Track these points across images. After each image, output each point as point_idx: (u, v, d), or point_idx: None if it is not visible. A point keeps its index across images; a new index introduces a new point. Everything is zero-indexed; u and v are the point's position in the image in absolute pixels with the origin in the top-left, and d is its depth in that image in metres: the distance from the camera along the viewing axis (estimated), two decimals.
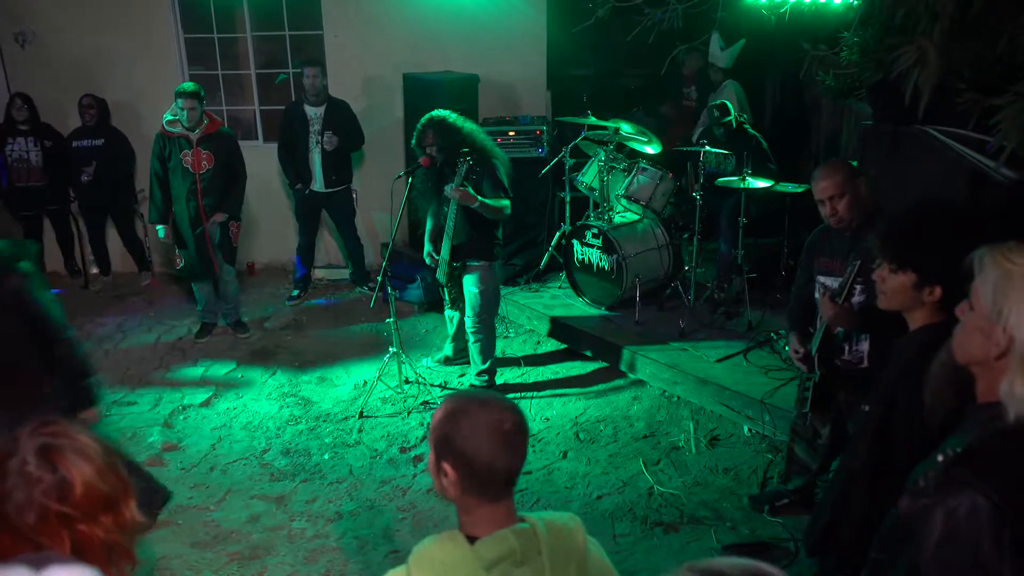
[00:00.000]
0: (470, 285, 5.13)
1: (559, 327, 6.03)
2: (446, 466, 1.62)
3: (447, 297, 5.48)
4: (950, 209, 2.39)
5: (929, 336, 2.19)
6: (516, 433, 1.61)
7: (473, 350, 5.36)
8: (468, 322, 5.26)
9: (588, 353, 5.81)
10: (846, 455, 2.54)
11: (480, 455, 1.58)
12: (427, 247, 5.31)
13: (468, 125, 4.96)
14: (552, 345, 6.12)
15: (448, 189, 4.79)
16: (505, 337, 6.21)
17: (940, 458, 1.55)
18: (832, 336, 3.44)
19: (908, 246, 2.27)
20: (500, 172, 4.92)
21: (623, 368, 5.55)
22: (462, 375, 5.70)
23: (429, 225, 5.28)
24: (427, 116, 4.94)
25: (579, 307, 6.20)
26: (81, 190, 7.09)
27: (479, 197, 4.76)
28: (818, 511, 2.77)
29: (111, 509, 1.49)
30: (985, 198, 3.75)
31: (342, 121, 6.63)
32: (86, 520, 1.45)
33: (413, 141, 5.02)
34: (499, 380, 5.50)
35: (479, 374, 5.40)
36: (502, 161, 4.99)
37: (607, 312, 6.01)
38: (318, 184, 6.72)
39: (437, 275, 5.32)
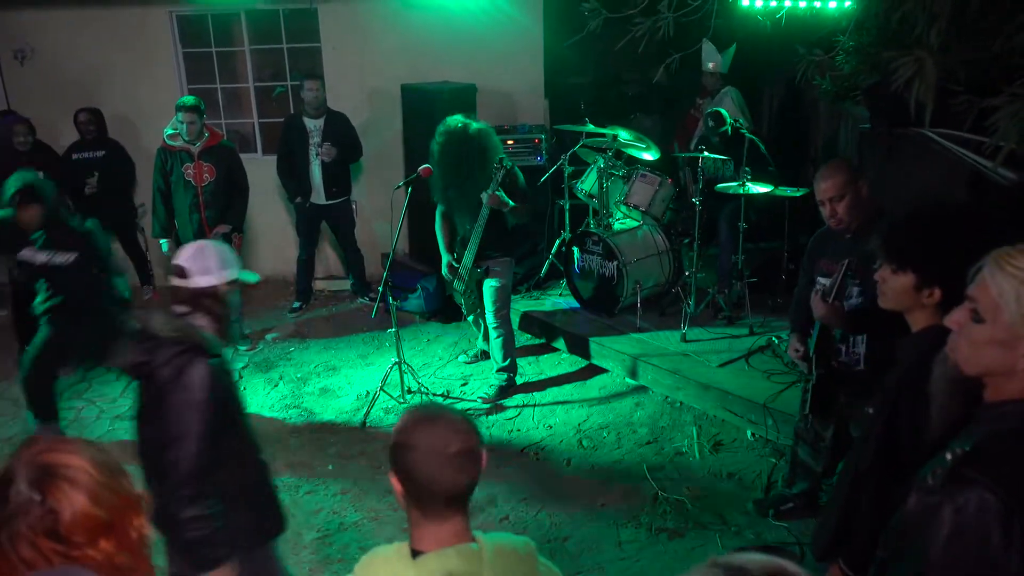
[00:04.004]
0: (491, 282, 5.23)
1: (559, 334, 6.04)
2: (392, 477, 1.64)
3: (465, 303, 5.49)
4: (952, 211, 2.40)
5: (933, 338, 2.19)
6: (461, 455, 1.60)
7: (495, 346, 5.40)
8: (490, 318, 5.32)
9: (589, 360, 5.80)
10: (851, 458, 2.53)
11: (420, 473, 1.59)
12: (445, 257, 5.36)
13: (485, 129, 5.06)
14: (553, 352, 6.13)
15: (485, 196, 4.91)
16: None
17: (948, 456, 1.55)
18: (830, 337, 3.45)
19: (908, 247, 2.27)
20: (520, 176, 5.11)
21: (625, 374, 5.55)
22: (464, 383, 5.70)
23: (441, 236, 5.36)
24: (454, 130, 4.99)
25: (580, 314, 6.20)
26: (84, 202, 7.09)
27: (510, 201, 4.95)
28: (824, 516, 2.76)
29: (111, 532, 1.44)
30: (985, 199, 3.77)
31: (341, 133, 6.64)
32: (82, 548, 1.41)
33: (436, 154, 5.06)
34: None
35: (499, 371, 5.44)
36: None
37: (608, 319, 6.02)
38: (319, 197, 6.73)
39: (454, 285, 5.35)
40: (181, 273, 2.60)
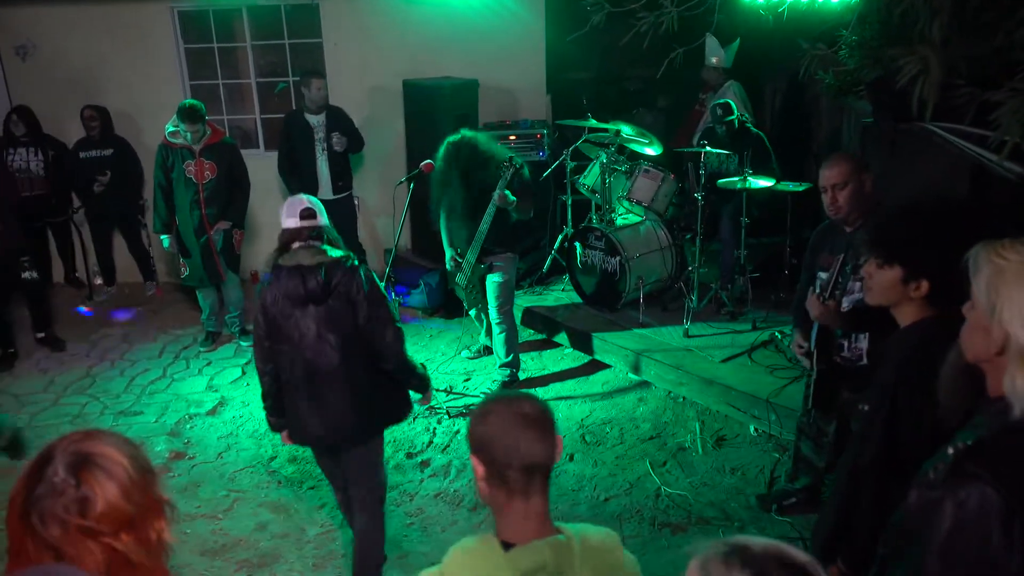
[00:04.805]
0: (494, 277, 5.25)
1: (562, 329, 6.03)
2: (474, 460, 1.66)
3: (467, 298, 5.50)
4: (939, 205, 2.39)
5: (923, 332, 2.18)
6: (535, 419, 1.63)
7: (497, 342, 5.42)
8: (492, 313, 5.33)
9: (592, 355, 5.81)
10: (848, 456, 2.52)
11: (498, 444, 1.61)
12: (448, 252, 5.38)
13: (475, 142, 5.09)
14: (555, 347, 6.13)
15: (495, 195, 4.92)
16: None
17: (950, 451, 1.55)
18: (831, 332, 3.44)
19: (895, 240, 2.27)
20: (527, 172, 5.15)
21: (628, 370, 5.55)
22: (467, 379, 5.71)
23: (445, 231, 5.36)
24: (458, 142, 5.03)
25: (582, 309, 6.20)
26: (92, 200, 7.10)
27: (513, 198, 4.95)
28: (823, 514, 2.76)
29: (132, 529, 1.47)
30: (989, 193, 3.76)
31: (343, 128, 6.63)
32: (106, 536, 1.44)
33: (440, 162, 5.07)
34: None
35: (502, 366, 5.45)
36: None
37: (610, 314, 6.01)
38: (326, 192, 6.72)
39: (457, 279, 5.36)
40: (312, 215, 3.28)
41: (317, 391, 3.32)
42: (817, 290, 3.27)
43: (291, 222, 3.26)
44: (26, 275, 6.12)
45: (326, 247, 3.28)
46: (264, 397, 3.50)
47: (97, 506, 1.43)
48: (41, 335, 6.40)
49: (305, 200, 3.32)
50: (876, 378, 2.37)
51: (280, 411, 3.49)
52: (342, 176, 6.73)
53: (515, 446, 1.60)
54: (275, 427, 3.59)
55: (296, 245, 3.25)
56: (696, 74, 7.39)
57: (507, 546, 1.61)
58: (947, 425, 1.76)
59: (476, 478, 1.67)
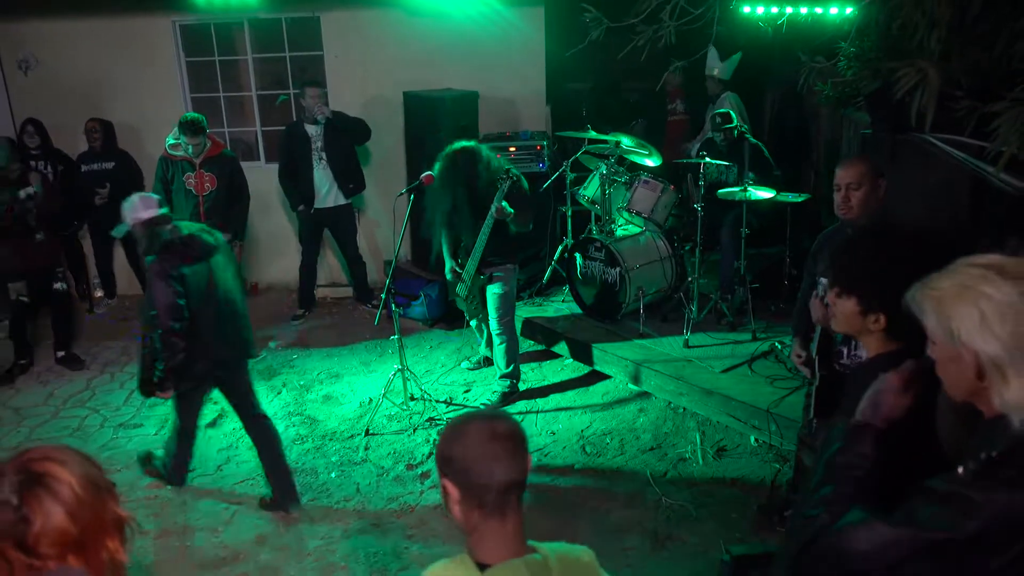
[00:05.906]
0: (494, 288, 5.25)
1: (562, 340, 6.03)
2: (447, 483, 1.63)
3: (468, 308, 5.50)
4: (898, 234, 2.29)
5: (884, 366, 2.14)
6: (509, 439, 1.61)
7: (498, 353, 5.41)
8: (493, 324, 5.33)
9: (592, 366, 5.80)
10: (803, 493, 2.46)
11: (475, 464, 1.59)
12: (448, 263, 5.39)
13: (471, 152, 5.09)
14: (556, 358, 6.13)
15: (493, 207, 4.93)
16: None
17: (983, 456, 1.55)
18: (831, 339, 3.44)
19: (850, 271, 2.20)
20: (525, 184, 5.16)
21: (628, 380, 5.55)
22: (467, 390, 5.70)
23: (446, 242, 5.37)
24: (457, 151, 5.04)
25: (583, 320, 6.20)
26: (94, 213, 7.11)
27: (511, 210, 4.97)
28: (788, 540, 2.71)
29: (81, 551, 1.42)
30: (987, 204, 3.76)
31: (342, 128, 6.62)
32: (48, 560, 1.39)
33: (438, 172, 5.07)
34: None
35: (502, 377, 5.44)
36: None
37: (611, 325, 6.01)
38: (323, 201, 6.72)
39: (457, 290, 5.37)
40: (162, 204, 4.15)
41: (225, 324, 4.15)
42: (819, 294, 3.26)
43: (150, 212, 4.04)
44: (57, 286, 6.16)
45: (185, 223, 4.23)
46: (170, 358, 3.99)
47: (34, 528, 1.38)
48: (61, 354, 6.33)
49: (154, 196, 4.18)
50: (836, 415, 2.33)
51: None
52: (350, 178, 6.70)
53: (493, 467, 1.58)
54: (169, 387, 4.12)
55: (168, 226, 4.04)
56: (698, 85, 7.45)
57: (482, 567, 1.59)
58: (950, 453, 1.75)
59: (448, 501, 1.64)
